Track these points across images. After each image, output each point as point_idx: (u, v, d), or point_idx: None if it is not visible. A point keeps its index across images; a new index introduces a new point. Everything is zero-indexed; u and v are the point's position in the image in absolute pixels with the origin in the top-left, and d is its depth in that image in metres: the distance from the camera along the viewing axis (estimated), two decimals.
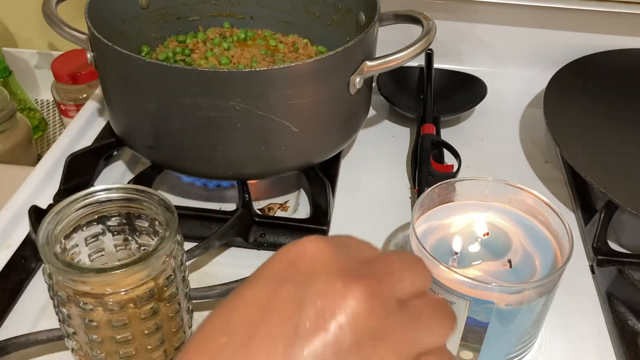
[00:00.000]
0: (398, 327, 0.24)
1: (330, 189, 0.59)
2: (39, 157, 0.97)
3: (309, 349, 0.22)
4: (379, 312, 0.24)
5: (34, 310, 0.51)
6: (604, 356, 0.49)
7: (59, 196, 0.59)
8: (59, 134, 0.79)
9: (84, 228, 0.43)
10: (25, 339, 0.46)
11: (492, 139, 0.73)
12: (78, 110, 0.75)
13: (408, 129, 0.74)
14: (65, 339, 0.43)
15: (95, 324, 0.39)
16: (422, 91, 0.76)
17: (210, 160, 0.56)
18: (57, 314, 0.41)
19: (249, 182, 0.60)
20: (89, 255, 0.45)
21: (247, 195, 0.57)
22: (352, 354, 0.23)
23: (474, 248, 0.46)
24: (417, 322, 0.25)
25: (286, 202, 0.62)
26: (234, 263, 0.55)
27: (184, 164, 0.58)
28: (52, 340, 0.46)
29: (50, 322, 0.48)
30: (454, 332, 0.27)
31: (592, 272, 0.56)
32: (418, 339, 0.25)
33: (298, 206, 0.62)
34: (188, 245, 0.51)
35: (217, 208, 0.60)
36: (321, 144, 0.59)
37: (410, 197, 0.64)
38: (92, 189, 0.42)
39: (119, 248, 0.45)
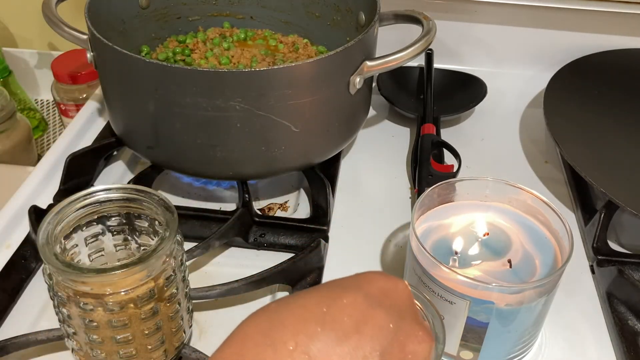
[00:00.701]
0: None
1: (330, 189, 0.59)
2: (39, 157, 0.97)
3: None
4: None
5: (34, 310, 0.51)
6: (604, 356, 0.49)
7: (59, 196, 0.59)
8: (59, 134, 0.79)
9: (84, 228, 0.43)
10: (25, 339, 0.46)
11: (492, 139, 0.73)
12: (78, 110, 0.75)
13: (408, 129, 0.74)
14: (65, 339, 0.43)
15: (95, 324, 0.39)
16: (422, 91, 0.76)
17: (210, 160, 0.56)
18: (57, 314, 0.41)
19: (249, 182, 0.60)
20: (89, 256, 0.45)
21: (247, 195, 0.57)
22: None
23: (474, 248, 0.46)
24: None
25: (286, 202, 0.62)
26: (234, 263, 0.55)
27: (184, 164, 0.58)
28: (52, 340, 0.46)
29: (50, 322, 0.48)
30: None
31: (592, 272, 0.56)
32: None
33: (298, 206, 0.62)
34: (188, 245, 0.51)
35: (217, 208, 0.60)
36: (321, 144, 0.59)
37: (410, 197, 0.64)
38: (92, 189, 0.42)
39: (118, 248, 0.45)
